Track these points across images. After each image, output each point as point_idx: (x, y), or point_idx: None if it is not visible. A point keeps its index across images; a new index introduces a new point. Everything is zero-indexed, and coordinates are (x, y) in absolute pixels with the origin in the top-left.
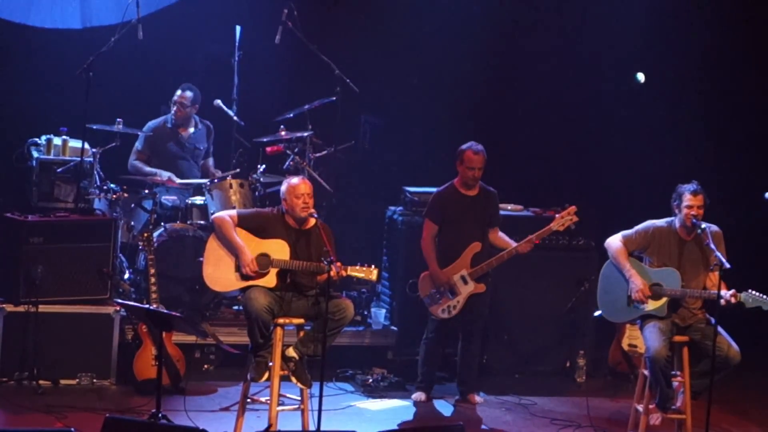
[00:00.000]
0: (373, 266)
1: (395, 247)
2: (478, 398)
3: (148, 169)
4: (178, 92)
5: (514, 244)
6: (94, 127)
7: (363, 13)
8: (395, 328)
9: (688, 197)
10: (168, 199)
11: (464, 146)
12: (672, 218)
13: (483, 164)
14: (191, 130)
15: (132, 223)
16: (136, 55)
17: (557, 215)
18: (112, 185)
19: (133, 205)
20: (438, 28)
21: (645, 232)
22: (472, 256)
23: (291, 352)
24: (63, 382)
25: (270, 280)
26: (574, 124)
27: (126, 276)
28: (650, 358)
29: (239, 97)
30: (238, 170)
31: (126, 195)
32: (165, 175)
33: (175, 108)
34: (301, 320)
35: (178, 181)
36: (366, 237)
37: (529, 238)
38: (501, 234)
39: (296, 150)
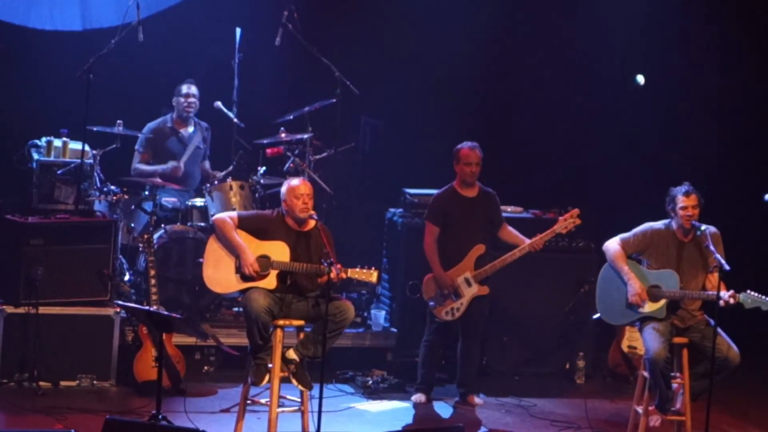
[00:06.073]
0: (373, 268)
1: (395, 249)
2: (477, 400)
3: (150, 169)
4: (185, 87)
5: (526, 240)
6: (95, 128)
7: (363, 15)
8: (395, 330)
9: (681, 199)
10: (168, 200)
11: (459, 145)
12: (669, 220)
13: (480, 160)
14: (191, 129)
15: (132, 224)
16: (137, 57)
17: (560, 218)
18: (112, 187)
19: (133, 207)
20: (438, 30)
21: (643, 234)
22: (476, 258)
23: (291, 354)
24: (63, 383)
25: (270, 281)
26: (574, 125)
27: (126, 277)
28: (650, 360)
29: (239, 99)
30: (232, 167)
31: (126, 197)
32: (169, 166)
33: (186, 102)
34: (301, 322)
35: (182, 167)
36: (366, 239)
37: (534, 239)
38: (510, 229)
39: (296, 152)
